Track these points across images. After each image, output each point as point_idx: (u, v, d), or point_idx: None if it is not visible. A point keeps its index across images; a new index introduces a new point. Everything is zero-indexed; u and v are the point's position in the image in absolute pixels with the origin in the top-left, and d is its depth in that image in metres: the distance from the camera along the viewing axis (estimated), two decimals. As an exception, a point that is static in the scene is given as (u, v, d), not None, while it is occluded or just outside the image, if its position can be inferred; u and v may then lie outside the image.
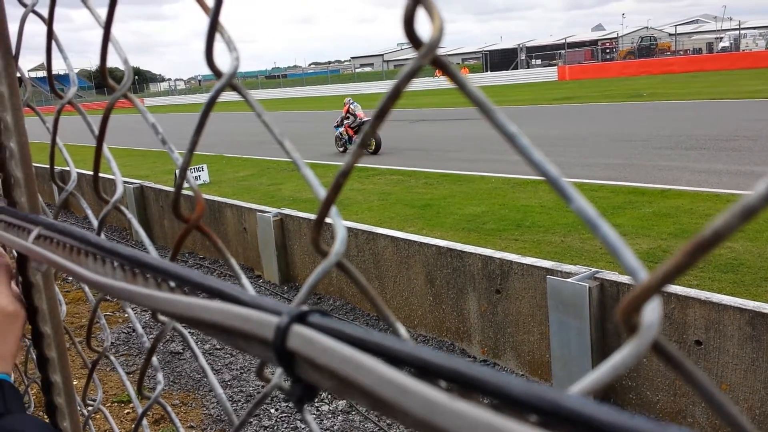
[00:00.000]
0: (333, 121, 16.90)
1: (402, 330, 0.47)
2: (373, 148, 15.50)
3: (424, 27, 0.36)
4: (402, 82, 0.37)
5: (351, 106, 16.04)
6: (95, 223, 0.87)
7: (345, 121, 16.16)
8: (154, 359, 0.89)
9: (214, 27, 0.51)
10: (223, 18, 0.54)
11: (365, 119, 15.80)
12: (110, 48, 0.73)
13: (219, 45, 0.55)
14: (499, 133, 0.35)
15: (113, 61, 0.87)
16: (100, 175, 0.86)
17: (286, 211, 7.89)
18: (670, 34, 65.23)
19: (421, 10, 0.36)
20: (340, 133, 16.35)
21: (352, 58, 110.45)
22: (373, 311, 6.76)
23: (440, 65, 0.36)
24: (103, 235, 0.83)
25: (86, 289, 1.32)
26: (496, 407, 0.30)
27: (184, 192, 0.63)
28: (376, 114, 0.38)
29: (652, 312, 0.30)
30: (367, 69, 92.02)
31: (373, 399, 0.35)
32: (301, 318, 0.41)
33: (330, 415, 4.90)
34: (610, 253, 0.32)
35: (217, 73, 0.55)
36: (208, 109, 0.55)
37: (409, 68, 0.36)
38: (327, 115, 27.37)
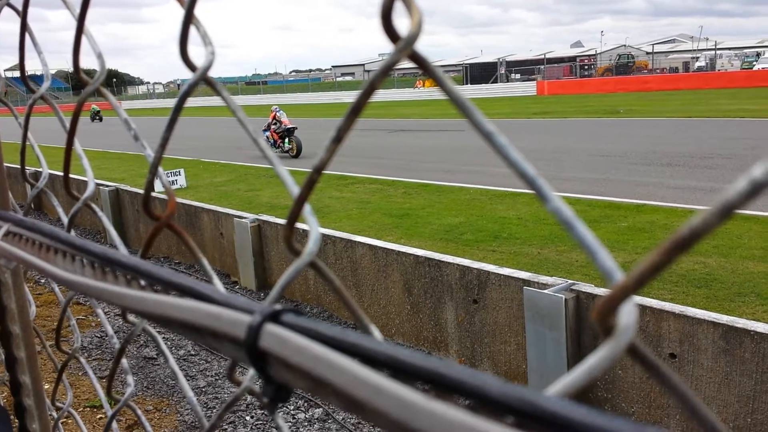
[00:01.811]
0: (262, 126, 18.30)
1: (376, 332, 0.47)
2: (295, 152, 17.20)
3: (402, 24, 0.36)
4: (378, 76, 0.36)
5: (277, 113, 17.76)
6: (65, 220, 0.85)
7: (272, 126, 17.84)
8: (124, 361, 0.87)
9: (189, 19, 0.50)
10: (202, 18, 0.52)
11: (289, 126, 17.49)
12: (85, 45, 0.72)
13: (196, 49, 0.54)
14: (476, 132, 0.35)
15: (90, 63, 0.85)
16: (74, 176, 0.85)
17: (264, 217, 7.84)
18: (648, 53, 66.32)
19: (399, 5, 0.35)
20: (267, 137, 17.95)
21: (333, 66, 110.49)
22: (351, 318, 6.74)
23: (418, 61, 0.36)
24: (74, 233, 0.81)
25: (57, 290, 1.29)
26: (473, 408, 0.29)
27: (159, 195, 0.62)
28: (351, 109, 0.38)
29: (628, 314, 0.30)
30: (348, 78, 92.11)
31: (347, 400, 0.34)
32: (274, 317, 0.40)
33: (306, 423, 4.86)
34: (585, 253, 0.32)
35: (191, 67, 0.53)
36: (180, 104, 0.54)
37: (386, 62, 0.35)
38: (306, 123, 27.33)
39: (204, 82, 0.53)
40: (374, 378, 0.32)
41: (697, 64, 56.45)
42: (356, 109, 0.37)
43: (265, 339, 0.39)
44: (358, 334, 0.36)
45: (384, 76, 0.36)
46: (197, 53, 0.54)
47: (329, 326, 0.37)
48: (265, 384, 0.41)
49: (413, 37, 0.34)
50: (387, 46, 0.36)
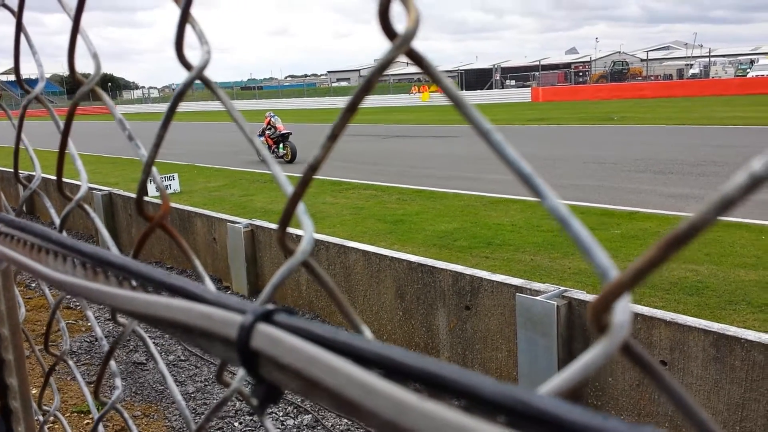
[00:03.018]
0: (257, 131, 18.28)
1: (368, 332, 0.46)
2: (289, 157, 17.20)
3: (399, 24, 0.36)
4: (375, 73, 0.36)
5: (272, 119, 17.72)
6: (57, 221, 0.85)
7: (267, 132, 17.77)
8: (113, 363, 0.86)
9: (185, 17, 0.50)
10: (198, 18, 0.52)
11: (284, 131, 17.46)
12: (81, 47, 0.72)
13: (192, 51, 0.54)
14: (473, 129, 0.35)
15: (85, 66, 0.85)
16: (67, 180, 0.84)
17: (257, 222, 7.82)
18: (642, 60, 66.62)
19: (396, 3, 0.35)
20: (261, 142, 17.46)
21: (328, 72, 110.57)
22: (344, 324, 6.72)
23: (415, 58, 0.36)
24: (65, 234, 0.81)
25: (47, 293, 1.28)
26: (466, 408, 0.29)
27: (154, 200, 0.62)
28: (347, 107, 0.38)
29: (622, 312, 0.29)
30: (344, 83, 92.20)
31: (340, 400, 0.34)
32: (266, 317, 0.40)
33: (295, 430, 4.84)
34: (580, 250, 0.31)
35: (187, 66, 0.53)
36: (176, 102, 0.53)
37: (383, 59, 0.35)
38: (301, 128, 27.31)
39: (200, 80, 0.53)
40: (366, 378, 0.32)
41: (691, 71, 56.81)
42: (352, 107, 0.37)
43: (257, 339, 0.39)
44: (351, 333, 0.36)
45: (380, 73, 0.36)
46: (193, 56, 0.54)
47: (322, 326, 0.37)
48: (255, 385, 0.41)
49: (411, 33, 0.34)
50: (384, 47, 0.36)
